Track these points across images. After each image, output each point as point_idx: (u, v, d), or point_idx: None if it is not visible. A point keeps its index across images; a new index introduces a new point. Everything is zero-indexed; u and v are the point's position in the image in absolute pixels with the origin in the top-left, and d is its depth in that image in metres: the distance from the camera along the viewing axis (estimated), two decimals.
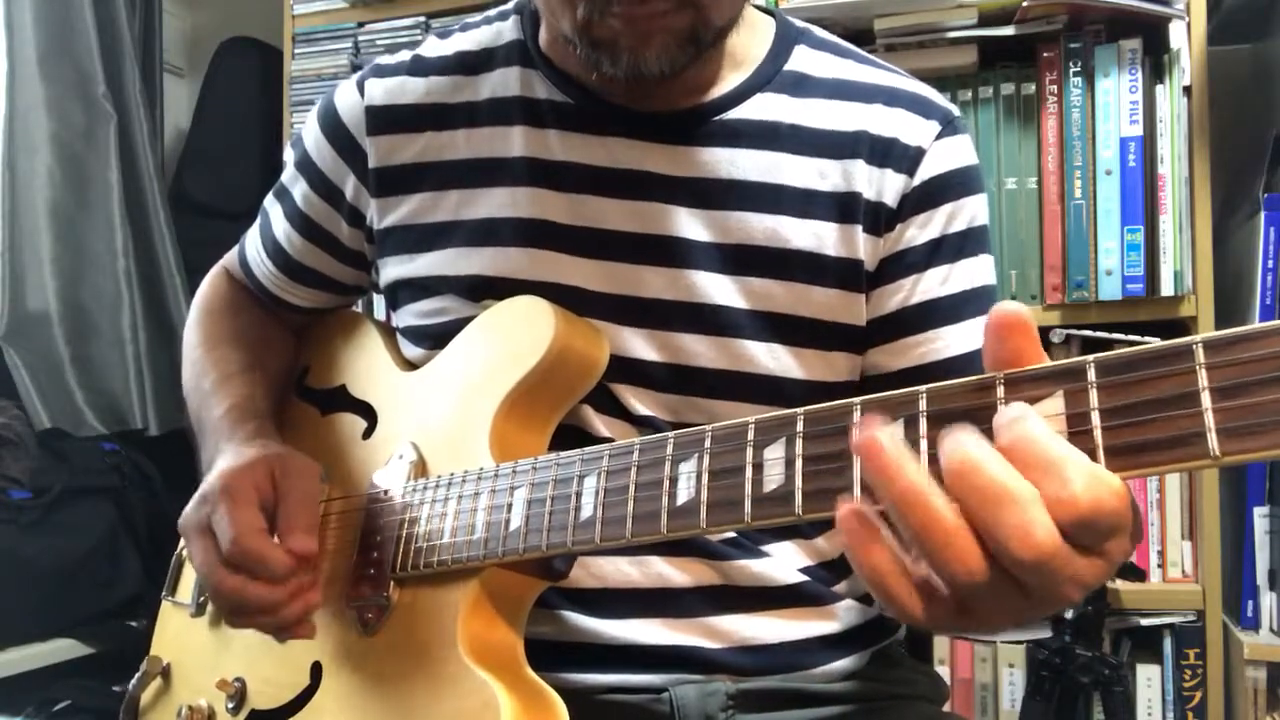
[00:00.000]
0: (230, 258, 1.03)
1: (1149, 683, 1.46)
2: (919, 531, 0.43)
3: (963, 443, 0.43)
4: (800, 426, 0.52)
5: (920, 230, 0.80)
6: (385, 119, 0.84)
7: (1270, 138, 1.49)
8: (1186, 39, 1.44)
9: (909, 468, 0.43)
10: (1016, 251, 1.51)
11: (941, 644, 1.55)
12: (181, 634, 0.90)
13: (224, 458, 0.77)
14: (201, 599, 0.89)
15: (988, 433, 0.43)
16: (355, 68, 1.91)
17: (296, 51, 2.00)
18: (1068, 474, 0.41)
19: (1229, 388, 0.40)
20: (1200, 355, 0.41)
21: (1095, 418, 0.43)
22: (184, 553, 0.94)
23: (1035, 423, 0.42)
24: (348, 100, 0.87)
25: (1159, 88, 1.44)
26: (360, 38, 1.95)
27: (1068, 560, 0.42)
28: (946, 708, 0.92)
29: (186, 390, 0.94)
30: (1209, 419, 0.40)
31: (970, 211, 0.82)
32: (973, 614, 0.45)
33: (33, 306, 1.98)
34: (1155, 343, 0.43)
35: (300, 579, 0.71)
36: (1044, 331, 1.47)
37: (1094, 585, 0.44)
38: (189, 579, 0.92)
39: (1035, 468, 0.42)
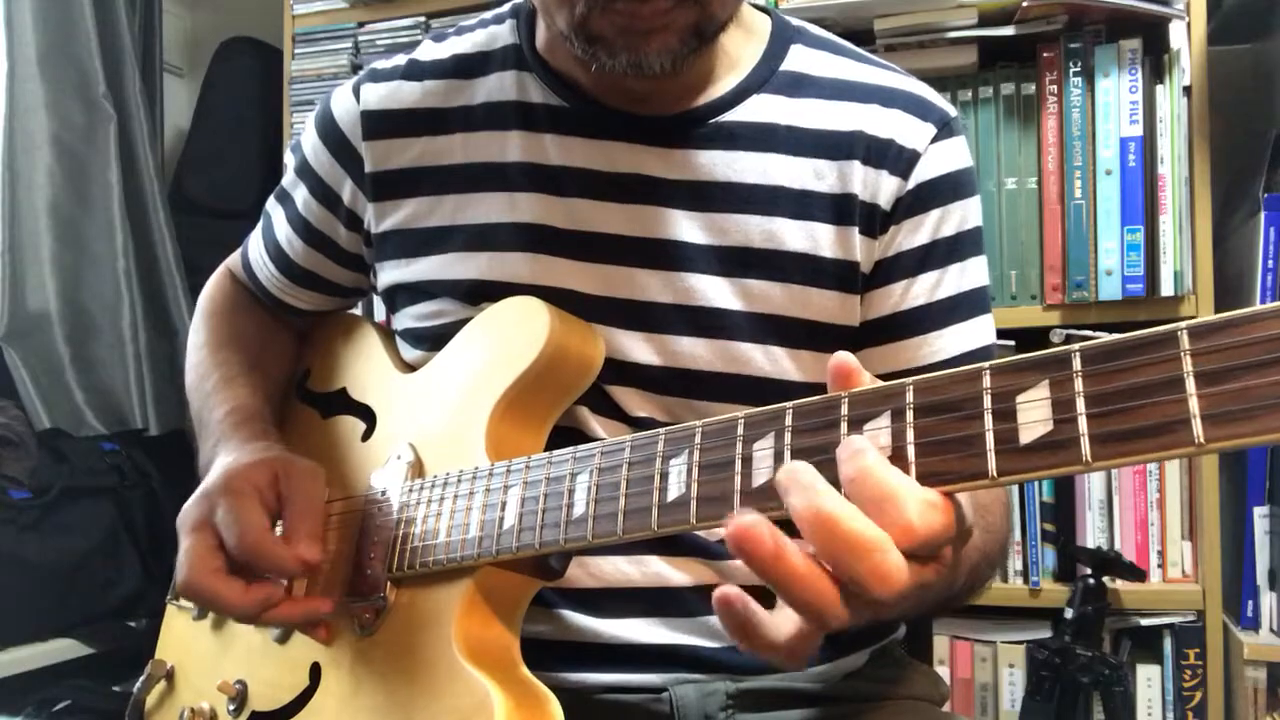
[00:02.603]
0: (234, 259, 1.03)
1: (1149, 683, 1.46)
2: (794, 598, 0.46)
3: (819, 496, 0.45)
4: (789, 420, 0.52)
5: (912, 234, 0.80)
6: (381, 124, 0.84)
7: (1270, 138, 1.49)
8: (1186, 39, 1.44)
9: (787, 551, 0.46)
10: (1016, 251, 1.51)
11: (941, 644, 1.55)
12: (184, 637, 0.90)
13: (224, 457, 0.77)
14: None
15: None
16: (355, 68, 1.92)
17: (296, 51, 2.00)
18: (904, 505, 0.45)
19: (1213, 373, 0.40)
20: (1185, 342, 0.41)
21: (1080, 405, 0.43)
22: None
23: (873, 456, 0.46)
24: (344, 105, 0.86)
25: (1159, 88, 1.44)
26: (360, 38, 1.96)
27: (912, 575, 0.46)
28: (946, 708, 0.92)
29: (189, 391, 0.94)
30: (1193, 405, 0.40)
31: (962, 215, 0.81)
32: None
33: (33, 306, 1.98)
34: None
35: (277, 588, 0.71)
36: (1044, 331, 1.48)
37: (922, 590, 0.48)
38: None
39: (874, 500, 0.45)
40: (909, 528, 0.45)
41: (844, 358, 0.51)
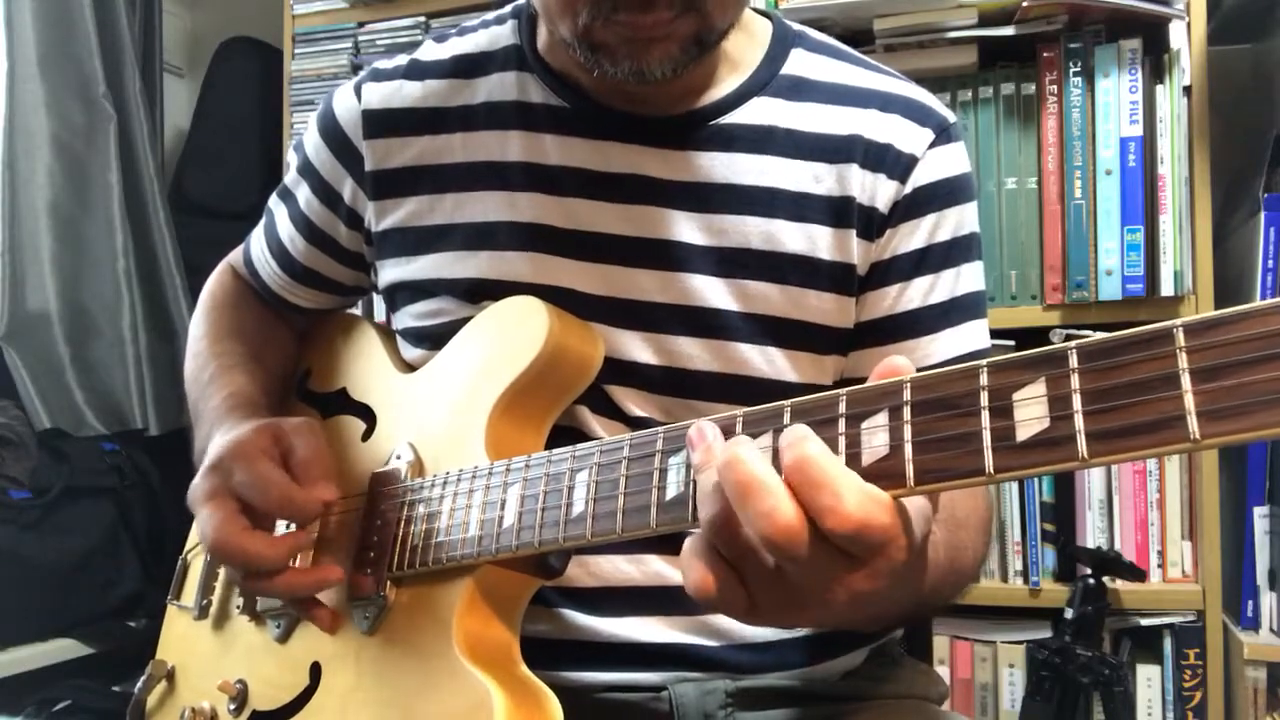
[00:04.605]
0: (235, 256, 1.03)
1: (1149, 683, 1.46)
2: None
3: (735, 444, 0.48)
4: (787, 418, 0.52)
5: (909, 238, 0.80)
6: (381, 123, 0.85)
7: (1270, 138, 1.49)
8: (1186, 39, 1.44)
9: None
10: (1016, 251, 1.51)
11: (941, 644, 1.55)
12: (185, 637, 0.91)
13: (221, 436, 0.77)
14: (205, 602, 0.89)
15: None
16: (355, 68, 1.92)
17: (296, 51, 2.00)
18: (840, 491, 0.45)
19: (1208, 370, 0.40)
20: (1180, 339, 0.41)
21: (1076, 402, 0.43)
22: (188, 556, 0.95)
23: (814, 444, 0.46)
24: (345, 104, 0.87)
25: (1159, 88, 1.44)
26: (360, 38, 1.96)
27: (829, 559, 0.46)
28: (945, 707, 0.92)
29: (188, 382, 0.94)
30: (1189, 401, 0.40)
31: (958, 220, 0.81)
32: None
33: (33, 306, 1.98)
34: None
35: (301, 535, 0.74)
36: (1044, 331, 1.48)
37: (871, 597, 0.48)
38: (193, 582, 0.92)
39: (812, 485, 0.45)
40: (844, 514, 0.45)
41: (895, 362, 0.51)
